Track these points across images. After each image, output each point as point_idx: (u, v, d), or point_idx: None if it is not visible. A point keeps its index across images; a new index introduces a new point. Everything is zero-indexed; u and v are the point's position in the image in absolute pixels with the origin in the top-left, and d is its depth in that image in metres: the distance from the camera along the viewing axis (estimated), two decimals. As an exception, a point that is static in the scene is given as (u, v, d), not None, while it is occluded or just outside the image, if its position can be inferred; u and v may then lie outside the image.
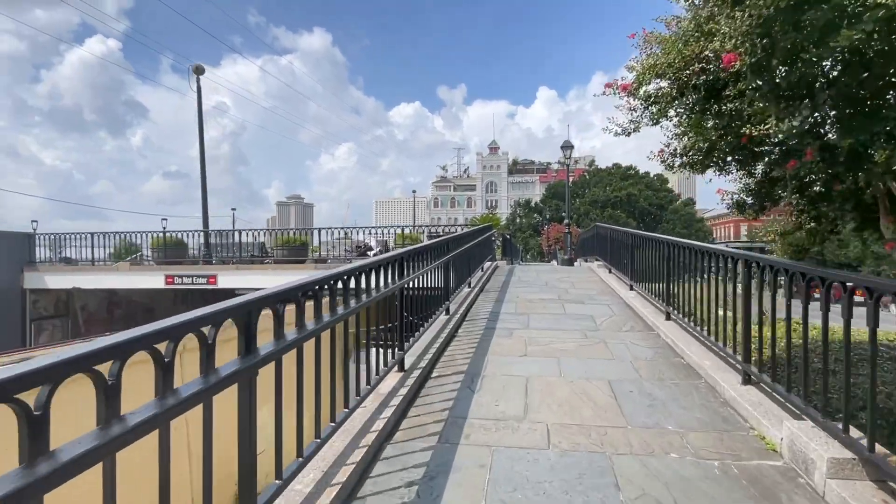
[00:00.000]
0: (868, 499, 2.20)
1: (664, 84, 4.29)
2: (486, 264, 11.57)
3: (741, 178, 5.00)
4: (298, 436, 2.29)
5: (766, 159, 4.17)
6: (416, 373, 3.93)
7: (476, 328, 5.80)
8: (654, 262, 6.45)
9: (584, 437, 2.98)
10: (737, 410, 3.34)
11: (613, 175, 59.63)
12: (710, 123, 3.86)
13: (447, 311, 6.02)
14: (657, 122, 4.72)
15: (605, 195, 55.62)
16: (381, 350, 3.71)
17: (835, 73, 2.79)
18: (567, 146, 15.20)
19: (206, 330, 1.63)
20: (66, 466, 1.04)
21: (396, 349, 3.90)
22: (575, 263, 15.19)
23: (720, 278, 4.19)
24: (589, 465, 2.65)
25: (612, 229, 9.91)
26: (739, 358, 3.68)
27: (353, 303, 2.90)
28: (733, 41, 2.78)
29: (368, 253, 18.02)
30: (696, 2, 3.43)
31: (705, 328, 4.51)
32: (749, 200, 5.01)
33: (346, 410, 2.81)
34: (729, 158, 4.30)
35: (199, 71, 14.41)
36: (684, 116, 4.45)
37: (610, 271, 10.08)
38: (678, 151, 4.52)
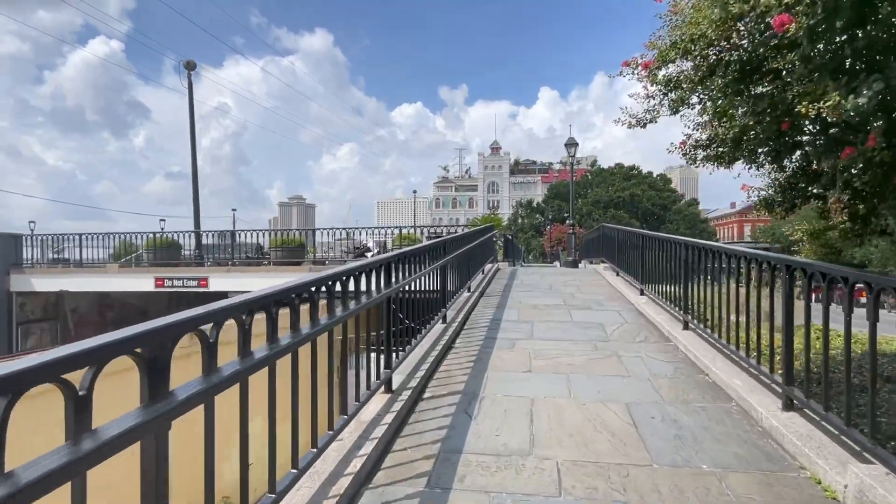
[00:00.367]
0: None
1: (687, 66, 3.79)
2: (487, 266, 11.07)
3: (770, 173, 4.49)
4: (243, 493, 1.80)
5: (805, 150, 3.66)
6: (406, 394, 3.44)
7: (475, 338, 5.30)
8: (668, 266, 5.95)
9: (601, 479, 2.48)
10: (781, 444, 2.84)
11: (616, 175, 59.06)
12: (742, 110, 3.35)
13: (444, 318, 5.53)
14: (676, 111, 4.22)
15: (607, 195, 55.06)
16: (368, 367, 3.22)
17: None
18: (571, 143, 14.70)
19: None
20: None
21: (383, 367, 3.41)
22: (579, 265, 14.68)
23: (750, 284, 3.69)
24: (611, 521, 2.15)
25: (620, 230, 9.40)
26: (779, 379, 3.17)
27: (323, 319, 2.41)
28: (787, -1, 2.29)
29: (367, 254, 17.53)
30: None
31: (732, 341, 4.01)
32: (778, 198, 4.50)
33: (315, 451, 2.31)
34: (761, 150, 3.79)
35: (190, 66, 13.95)
36: (709, 102, 3.95)
37: (617, 274, 9.57)
38: (702, 142, 4.01)
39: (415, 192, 57.11)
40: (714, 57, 3.25)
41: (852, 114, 2.14)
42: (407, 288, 4.07)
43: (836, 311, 2.79)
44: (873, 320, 2.31)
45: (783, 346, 3.13)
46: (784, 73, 2.91)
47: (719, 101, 3.62)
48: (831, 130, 3.01)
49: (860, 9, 2.16)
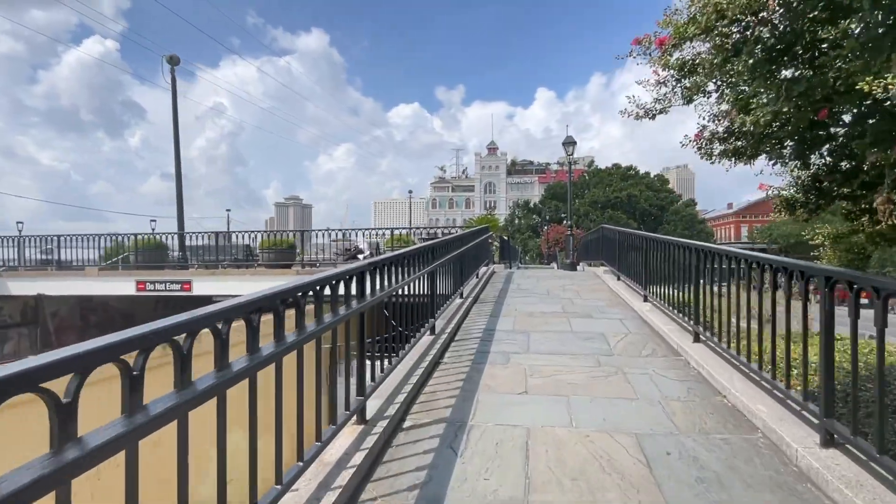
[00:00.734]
0: None
1: (703, 48, 3.34)
2: (482, 269, 10.61)
3: (792, 171, 4.04)
4: None
5: (836, 143, 3.21)
6: (382, 424, 2.96)
7: (466, 351, 4.83)
8: (675, 272, 5.49)
9: (613, 543, 2.02)
10: (824, 491, 2.38)
11: (613, 175, 58.76)
12: (768, 96, 2.89)
13: (432, 329, 5.06)
14: (690, 101, 3.78)
15: (605, 196, 54.73)
16: (333, 396, 2.76)
17: None
18: (569, 142, 14.25)
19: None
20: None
21: (355, 393, 2.94)
22: (577, 268, 14.24)
23: (766, 293, 3.24)
24: None
25: (621, 232, 8.96)
26: (816, 408, 2.72)
27: (269, 349, 1.94)
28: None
29: (358, 256, 17.04)
30: None
31: (753, 359, 3.56)
32: (800, 198, 4.05)
33: (254, 514, 1.84)
34: (789, 143, 3.34)
35: (173, 62, 13.42)
36: (727, 90, 3.49)
37: (618, 278, 9.12)
38: (719, 135, 3.56)
39: (410, 192, 56.50)
40: (739, 34, 2.79)
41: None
42: (391, 296, 3.62)
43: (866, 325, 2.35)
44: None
45: (821, 372, 2.67)
46: (825, 50, 2.45)
47: (742, 87, 3.16)
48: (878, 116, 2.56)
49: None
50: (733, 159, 3.73)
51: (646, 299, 6.82)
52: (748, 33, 2.73)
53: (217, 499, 1.65)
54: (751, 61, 2.68)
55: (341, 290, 2.75)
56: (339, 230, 15.30)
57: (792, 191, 4.12)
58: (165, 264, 13.73)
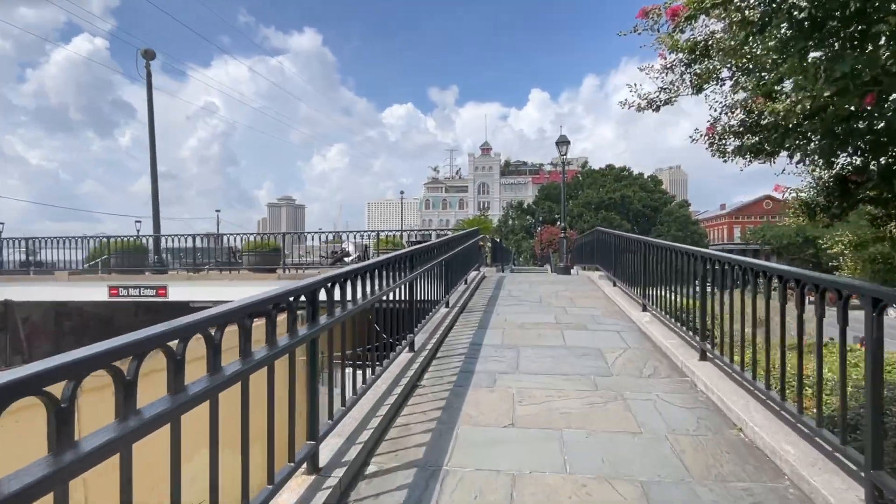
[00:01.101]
0: None
1: (718, 28, 2.87)
2: (472, 275, 10.13)
3: (813, 171, 3.59)
4: None
5: (873, 137, 2.75)
6: (339, 473, 2.46)
7: (448, 371, 4.34)
8: (679, 281, 5.04)
9: None
10: (880, 569, 1.91)
11: (607, 176, 58.56)
12: (802, 79, 2.42)
13: (411, 346, 4.56)
14: (700, 90, 3.31)
15: (598, 197, 54.50)
16: (271, 442, 2.26)
17: None
18: (562, 141, 13.80)
19: None
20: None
21: (307, 436, 2.44)
22: (571, 271, 13.80)
23: (786, 310, 2.79)
24: None
25: (617, 235, 8.50)
26: (859, 456, 2.25)
27: (195, 388, 1.45)
28: None
29: (346, 259, 16.52)
30: None
31: (774, 386, 3.11)
32: (822, 201, 3.60)
33: None
34: (815, 138, 2.88)
35: (148, 56, 12.80)
36: (742, 76, 3.03)
37: (614, 284, 8.67)
38: (735, 128, 3.09)
39: (402, 192, 55.77)
40: (766, 5, 2.32)
41: None
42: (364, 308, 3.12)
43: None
44: None
45: (869, 411, 2.21)
46: (879, 19, 1.99)
47: (763, 73, 2.69)
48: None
49: None
50: (749, 156, 3.27)
51: (644, 309, 6.37)
52: (777, 3, 2.26)
53: None
54: (781, 35, 2.21)
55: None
56: (325, 232, 14.74)
57: (812, 193, 3.66)
58: (142, 268, 13.11)
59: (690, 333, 4.58)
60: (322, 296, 2.60)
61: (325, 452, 2.61)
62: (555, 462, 2.74)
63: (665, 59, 3.12)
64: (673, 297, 5.35)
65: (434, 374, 4.27)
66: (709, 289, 4.32)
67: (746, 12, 2.42)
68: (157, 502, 1.69)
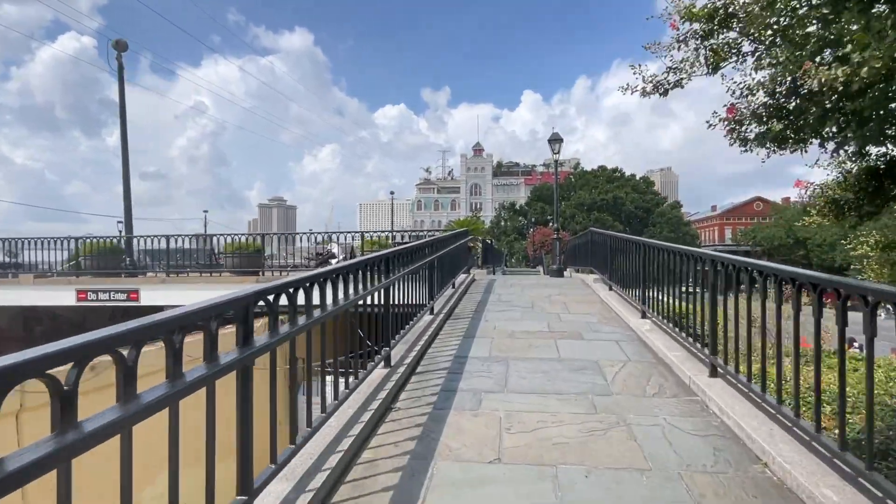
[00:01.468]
0: None
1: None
2: (461, 278, 9.64)
3: (841, 164, 3.14)
4: None
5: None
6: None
7: (428, 390, 3.85)
8: (684, 286, 4.59)
9: None
10: None
11: (599, 178, 58.48)
12: (873, 39, 1.95)
13: (387, 361, 4.07)
14: (716, 68, 2.85)
15: (591, 198, 54.34)
16: None
17: None
18: (555, 139, 13.38)
19: None
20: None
21: (237, 492, 1.93)
22: (564, 274, 13.37)
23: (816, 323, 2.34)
24: None
25: (614, 237, 8.06)
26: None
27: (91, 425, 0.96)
28: None
29: (331, 261, 15.98)
30: None
31: (807, 415, 2.65)
32: (850, 197, 3.15)
33: None
34: (851, 125, 2.42)
35: (120, 47, 12.16)
36: (768, 51, 2.57)
37: (610, 288, 8.23)
38: (762, 111, 2.63)
39: (392, 193, 54.82)
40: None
41: None
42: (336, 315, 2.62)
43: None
44: None
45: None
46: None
47: (802, 40, 2.23)
48: None
49: None
50: (773, 146, 2.81)
51: (644, 315, 5.92)
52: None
53: None
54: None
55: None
56: (309, 233, 14.18)
57: (839, 190, 3.22)
58: (115, 271, 12.45)
59: (698, 345, 4.13)
60: (289, 299, 2.09)
61: (269, 502, 2.11)
62: (549, 512, 2.26)
63: (677, 29, 2.66)
64: (675, 303, 4.92)
65: (412, 394, 3.77)
66: (718, 296, 3.88)
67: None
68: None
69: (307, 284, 2.52)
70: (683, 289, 4.61)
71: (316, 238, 16.00)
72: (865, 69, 1.79)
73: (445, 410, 3.43)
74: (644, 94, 3.12)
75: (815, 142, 2.81)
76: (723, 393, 3.50)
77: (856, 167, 3.15)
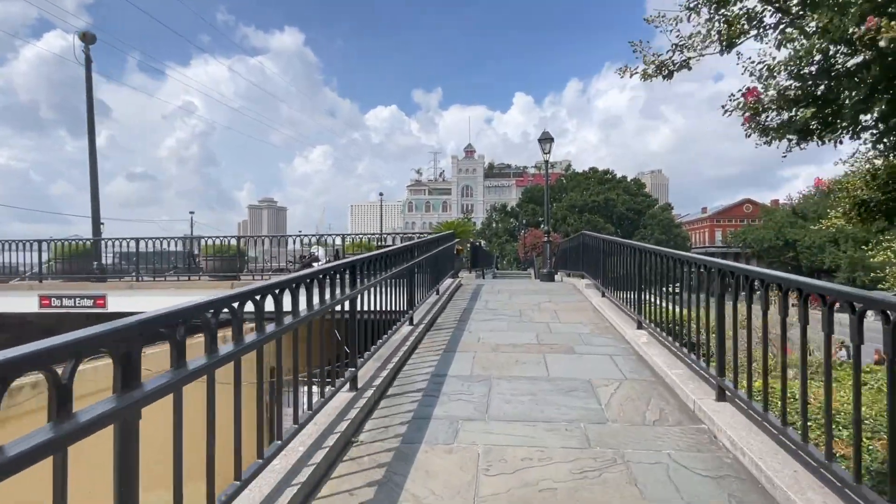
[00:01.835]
0: None
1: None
2: (447, 283, 9.18)
3: (870, 161, 2.71)
4: None
5: None
6: None
7: (398, 418, 3.36)
8: (686, 296, 4.16)
9: None
10: None
11: (590, 179, 58.36)
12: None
13: (353, 383, 3.58)
14: (731, 45, 2.41)
15: (582, 200, 54.18)
16: None
17: None
18: (546, 139, 12.95)
19: None
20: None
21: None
22: (555, 278, 12.95)
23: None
24: None
25: (607, 241, 7.63)
26: None
27: None
28: None
29: (314, 264, 15.45)
30: None
31: (842, 458, 2.21)
32: (880, 197, 2.72)
33: None
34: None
35: (87, 39, 11.52)
36: (792, 25, 2.13)
37: (603, 294, 7.80)
38: (789, 94, 2.18)
39: (381, 194, 53.97)
40: None
41: None
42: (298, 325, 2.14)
43: None
44: None
45: None
46: None
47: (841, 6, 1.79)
48: None
49: None
50: (799, 138, 2.37)
51: (640, 325, 5.48)
52: None
53: None
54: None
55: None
56: (290, 235, 13.65)
57: (867, 190, 2.79)
58: (81, 276, 11.78)
59: (703, 364, 3.69)
60: (232, 313, 1.60)
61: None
62: None
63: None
64: (674, 310, 4.48)
65: (379, 422, 3.29)
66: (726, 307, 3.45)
67: None
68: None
69: (256, 298, 2.05)
70: (685, 295, 4.18)
71: (302, 241, 15.53)
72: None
73: (416, 445, 2.95)
74: (645, 77, 2.68)
75: (846, 136, 2.38)
76: (734, 422, 3.05)
77: (885, 163, 2.73)
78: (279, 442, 2.46)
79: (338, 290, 3.29)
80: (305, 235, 15.38)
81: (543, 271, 13.08)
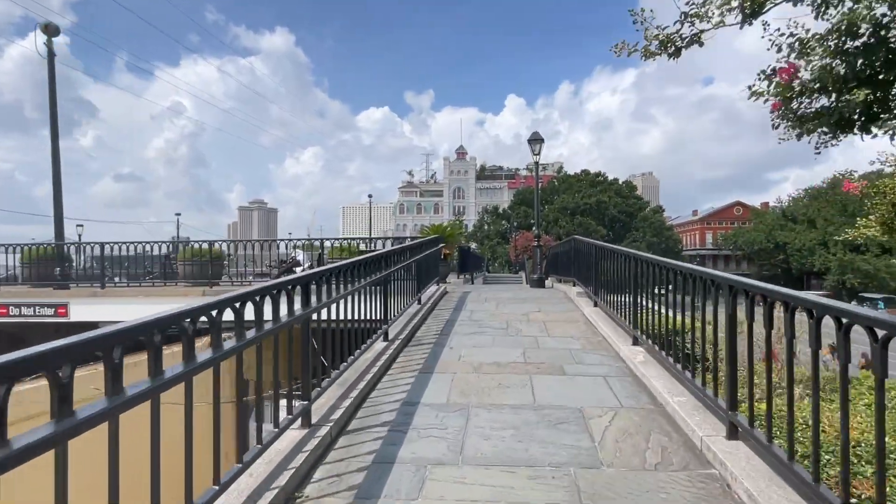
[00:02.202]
0: None
1: None
2: (430, 291, 8.67)
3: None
4: None
5: None
6: None
7: (355, 462, 2.84)
8: (690, 312, 3.68)
9: None
10: None
11: (582, 182, 58.15)
12: None
13: (306, 419, 3.06)
14: (755, 15, 1.96)
15: (574, 202, 53.94)
16: None
17: None
18: (536, 139, 12.51)
19: None
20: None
21: None
22: (546, 283, 12.49)
23: None
24: None
25: (600, 247, 7.16)
26: None
27: None
28: None
29: (296, 269, 14.87)
30: None
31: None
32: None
33: None
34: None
35: (49, 32, 10.88)
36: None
37: (595, 304, 7.34)
38: (841, 69, 1.71)
39: (370, 196, 53.19)
40: None
41: None
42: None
43: None
44: None
45: None
46: None
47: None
48: None
49: None
50: (836, 132, 1.90)
51: (636, 342, 5.01)
52: None
53: None
54: None
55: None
56: (262, 241, 13.08)
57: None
58: (41, 283, 11.10)
59: (710, 393, 3.21)
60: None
61: None
62: None
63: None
64: (674, 320, 4.02)
65: (332, 469, 2.77)
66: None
67: None
68: None
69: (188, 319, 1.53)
70: (685, 300, 3.71)
71: (295, 245, 14.99)
72: None
73: (372, 501, 2.44)
74: (647, 55, 2.24)
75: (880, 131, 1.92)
76: (750, 468, 2.58)
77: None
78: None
79: (283, 310, 2.78)
80: (291, 240, 14.77)
81: (534, 276, 12.61)
